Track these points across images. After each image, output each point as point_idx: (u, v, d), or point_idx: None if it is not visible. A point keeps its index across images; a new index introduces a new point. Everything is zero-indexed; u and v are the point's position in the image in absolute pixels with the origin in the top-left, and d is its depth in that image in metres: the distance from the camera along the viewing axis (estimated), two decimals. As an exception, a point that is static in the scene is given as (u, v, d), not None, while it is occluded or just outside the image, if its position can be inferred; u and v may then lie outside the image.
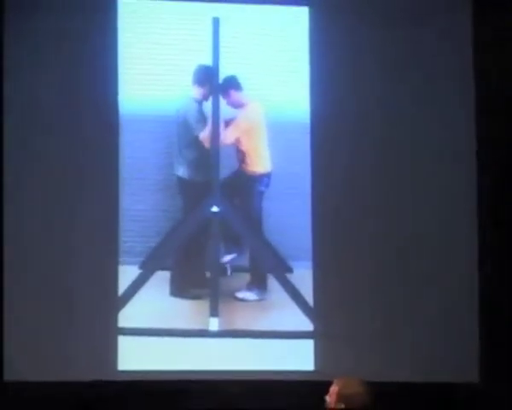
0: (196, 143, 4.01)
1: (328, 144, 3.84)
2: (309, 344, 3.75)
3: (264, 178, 4.12)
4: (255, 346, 3.72)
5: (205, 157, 4.04)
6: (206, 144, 3.99)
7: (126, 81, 3.87)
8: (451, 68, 3.87)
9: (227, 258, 4.12)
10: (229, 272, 4.11)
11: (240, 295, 4.13)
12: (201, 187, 4.01)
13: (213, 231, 3.78)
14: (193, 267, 4.13)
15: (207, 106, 4.05)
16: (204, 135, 4.01)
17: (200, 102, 4.05)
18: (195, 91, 4.05)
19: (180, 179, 4.03)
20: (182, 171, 4.03)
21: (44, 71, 3.70)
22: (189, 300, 4.00)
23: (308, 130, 3.90)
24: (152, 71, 4.08)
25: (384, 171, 3.81)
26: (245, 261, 4.18)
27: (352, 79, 3.85)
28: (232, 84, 4.09)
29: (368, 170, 3.83)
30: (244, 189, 4.11)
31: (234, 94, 4.09)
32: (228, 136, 4.03)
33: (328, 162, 3.84)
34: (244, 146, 4.12)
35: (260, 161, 4.15)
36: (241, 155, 4.18)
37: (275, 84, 4.06)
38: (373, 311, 3.65)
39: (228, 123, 4.05)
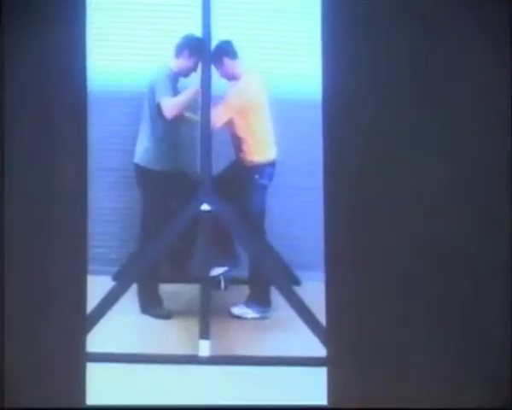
0: (161, 117, 3.89)
1: (344, 126, 3.78)
2: (321, 373, 3.72)
3: (267, 168, 4.00)
4: (255, 375, 3.66)
5: (178, 140, 3.98)
6: (167, 114, 3.85)
7: (96, 51, 3.89)
8: (489, 39, 3.83)
9: (221, 268, 4.10)
10: (222, 286, 4.07)
11: (236, 311, 4.09)
12: (181, 180, 3.96)
13: (204, 235, 3.69)
14: (178, 278, 4.12)
15: (184, 81, 3.96)
16: (166, 103, 3.85)
17: (175, 75, 3.97)
18: (176, 63, 3.97)
19: (151, 171, 3.96)
20: (151, 159, 3.96)
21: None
22: (173, 319, 4.01)
23: (319, 109, 3.90)
24: (127, 39, 4.07)
25: (417, 160, 3.76)
26: (243, 271, 4.16)
27: (377, 46, 3.80)
28: (226, 50, 3.97)
29: (397, 159, 3.77)
30: (242, 183, 4.00)
31: (228, 62, 3.97)
32: (217, 116, 3.86)
33: (346, 148, 3.79)
34: (239, 129, 3.99)
35: (261, 148, 4.02)
36: (236, 141, 4.05)
37: (279, 52, 4.03)
38: (401, 334, 3.61)
39: (218, 100, 3.89)
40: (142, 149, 3.93)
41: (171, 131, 3.93)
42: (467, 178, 4.16)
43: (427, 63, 4.22)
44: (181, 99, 3.90)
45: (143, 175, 3.94)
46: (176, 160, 4.00)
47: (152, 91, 3.89)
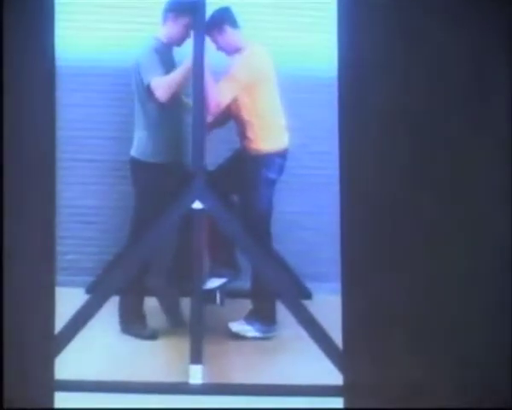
0: (153, 101, 3.84)
1: (363, 108, 3.76)
2: (337, 404, 3.71)
3: (276, 159, 3.96)
4: (256, 407, 3.68)
5: (175, 127, 3.93)
6: (161, 95, 3.79)
7: (66, 18, 3.81)
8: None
9: (218, 280, 4.08)
10: (218, 300, 4.05)
11: (235, 328, 4.04)
12: (180, 173, 3.90)
13: (195, 239, 3.69)
14: (164, 291, 4.10)
15: (179, 52, 3.89)
16: (157, 83, 3.79)
17: (166, 46, 3.93)
18: (163, 31, 3.93)
19: (144, 164, 3.93)
20: (145, 151, 3.93)
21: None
22: (159, 339, 3.99)
23: (335, 89, 3.87)
24: (103, 4, 4.05)
25: (449, 152, 3.75)
26: (243, 283, 4.14)
27: (396, 19, 3.80)
28: (225, 18, 3.94)
29: (424, 150, 3.74)
30: (245, 177, 3.98)
31: (227, 33, 3.94)
32: (222, 93, 3.82)
33: (366, 135, 3.77)
34: (245, 110, 3.94)
35: (270, 134, 3.98)
36: (241, 126, 4.01)
37: (286, 20, 3.98)
38: (431, 356, 3.60)
39: (217, 76, 3.84)
40: (136, 140, 3.90)
41: (165, 116, 3.87)
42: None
43: (444, 41, 4.19)
44: (175, 76, 3.82)
45: (136, 169, 3.91)
46: (174, 150, 3.94)
47: (138, 71, 3.84)
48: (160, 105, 3.83)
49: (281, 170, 3.97)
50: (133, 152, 3.93)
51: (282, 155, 3.96)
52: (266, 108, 3.94)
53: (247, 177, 3.95)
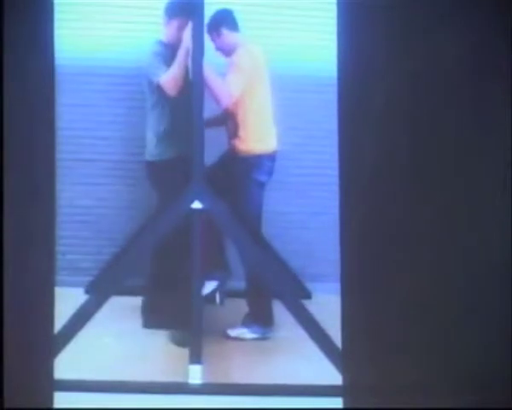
0: (161, 100, 3.86)
1: (363, 108, 3.77)
2: (336, 404, 3.70)
3: (266, 161, 3.96)
4: (255, 407, 3.68)
5: (179, 124, 3.89)
6: (170, 90, 3.79)
7: (64, 17, 3.83)
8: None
9: (211, 283, 4.07)
10: (217, 300, 4.05)
11: (233, 332, 4.04)
12: (178, 172, 3.92)
13: (194, 239, 3.69)
14: (163, 292, 4.09)
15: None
16: (164, 80, 3.80)
17: (168, 47, 3.92)
18: (163, 33, 3.95)
19: (149, 163, 3.95)
20: (149, 149, 3.96)
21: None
22: (158, 339, 3.98)
23: (334, 88, 3.87)
24: (102, 2, 4.05)
25: (449, 152, 3.75)
26: (241, 283, 4.14)
27: (400, 17, 3.80)
28: (223, 21, 3.94)
29: (424, 150, 3.74)
30: (234, 179, 3.97)
31: (225, 36, 3.94)
32: (234, 85, 3.80)
33: (366, 135, 3.76)
34: (241, 108, 3.92)
35: (261, 135, 3.98)
36: (233, 125, 4.00)
37: (279, 19, 3.98)
38: (431, 355, 3.59)
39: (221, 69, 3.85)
40: (147, 143, 3.92)
41: (171, 113, 3.89)
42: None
43: (444, 41, 4.17)
44: (176, 68, 3.80)
45: (148, 171, 3.95)
46: (180, 145, 3.92)
47: (146, 76, 3.87)
48: (166, 103, 3.85)
49: (270, 172, 3.96)
50: (147, 155, 3.96)
51: (271, 157, 3.95)
52: (261, 106, 3.93)
53: (236, 179, 3.94)
